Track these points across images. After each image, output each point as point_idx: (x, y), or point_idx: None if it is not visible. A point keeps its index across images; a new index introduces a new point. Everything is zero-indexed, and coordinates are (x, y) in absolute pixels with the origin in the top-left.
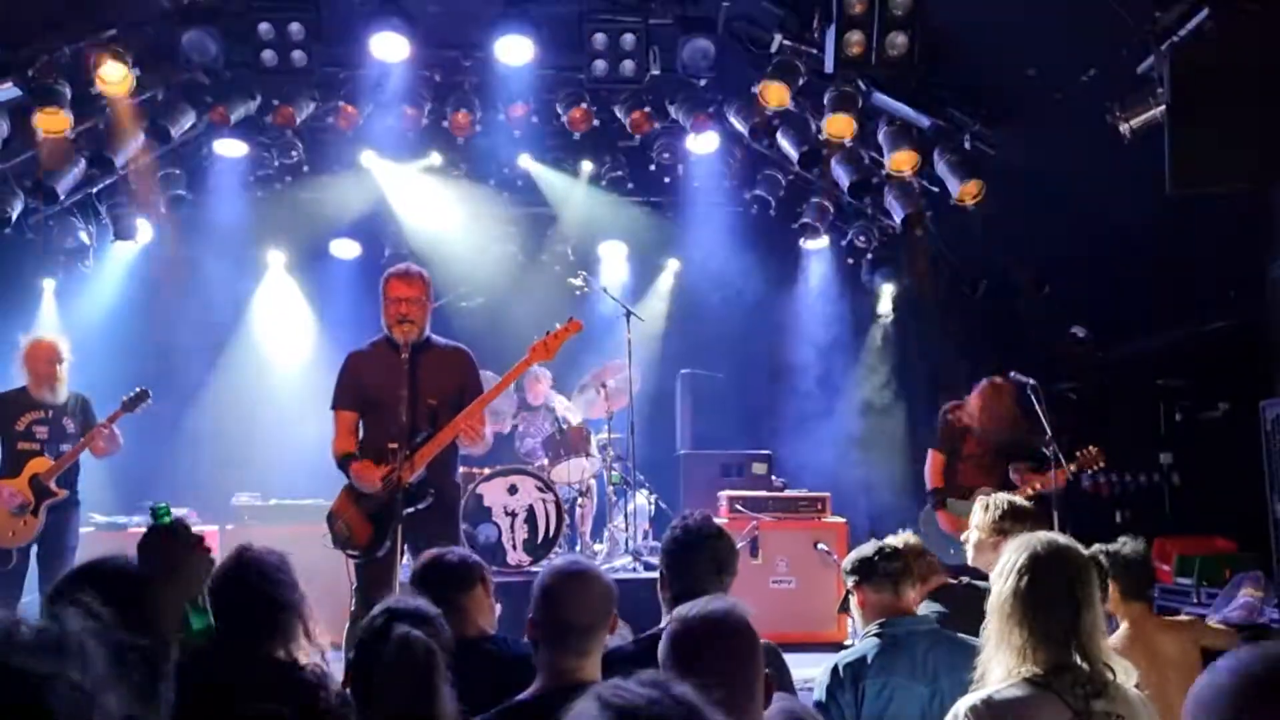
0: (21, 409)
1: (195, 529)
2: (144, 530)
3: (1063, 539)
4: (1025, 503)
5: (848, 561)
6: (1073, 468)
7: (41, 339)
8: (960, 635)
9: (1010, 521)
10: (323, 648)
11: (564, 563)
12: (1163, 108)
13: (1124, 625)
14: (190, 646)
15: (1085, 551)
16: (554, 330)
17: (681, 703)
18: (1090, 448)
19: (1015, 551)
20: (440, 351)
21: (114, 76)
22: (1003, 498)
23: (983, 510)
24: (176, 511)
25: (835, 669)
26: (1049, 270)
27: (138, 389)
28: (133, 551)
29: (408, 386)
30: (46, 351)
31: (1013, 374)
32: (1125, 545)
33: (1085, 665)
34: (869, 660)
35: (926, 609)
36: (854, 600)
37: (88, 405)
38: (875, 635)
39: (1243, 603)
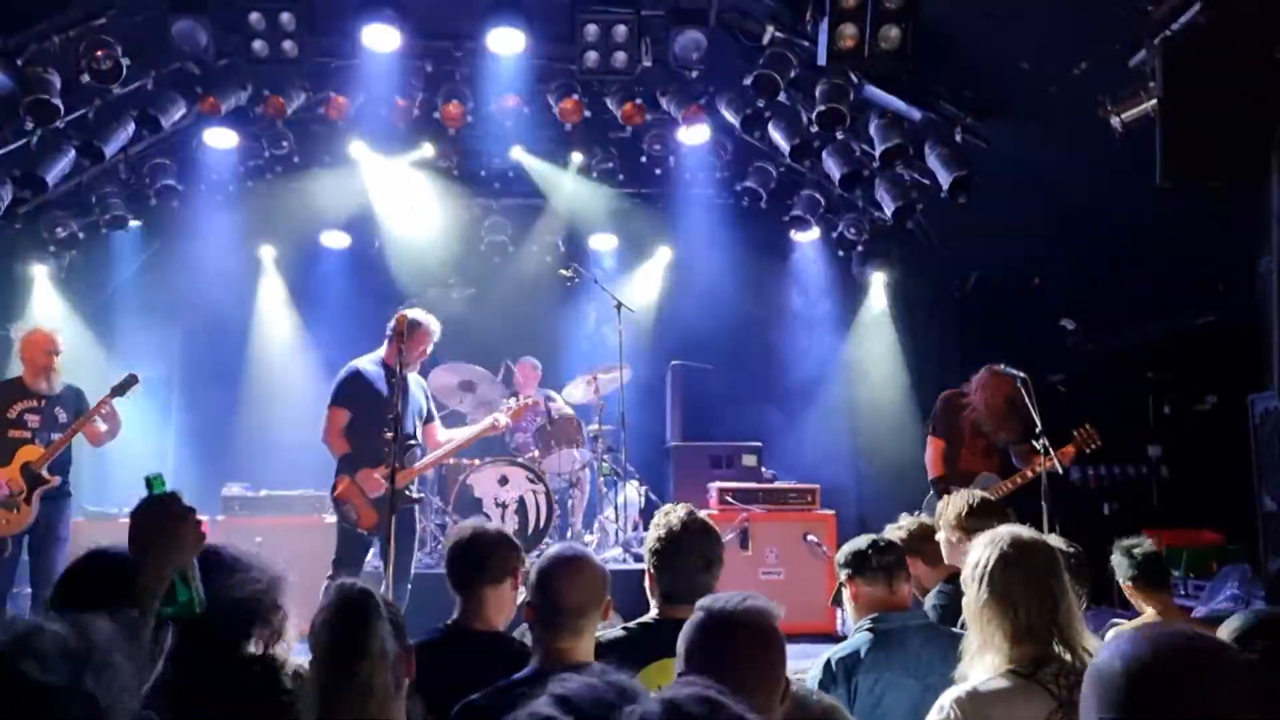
0: (13, 398)
1: None
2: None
3: (1026, 532)
4: (988, 497)
5: (841, 554)
6: (1070, 449)
7: (38, 329)
8: (953, 630)
9: (975, 519)
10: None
11: (560, 548)
12: (1154, 101)
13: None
14: (176, 618)
15: (1052, 541)
16: (522, 402)
17: (617, 688)
18: (1085, 426)
19: (983, 550)
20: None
21: (103, 66)
22: (962, 496)
23: (947, 509)
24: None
25: (828, 664)
26: (1039, 263)
27: (127, 374)
28: (123, 540)
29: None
30: (42, 342)
31: (1003, 366)
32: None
33: (1067, 655)
34: (862, 655)
35: (938, 595)
36: (846, 593)
37: (81, 395)
38: (868, 630)
39: (1230, 595)
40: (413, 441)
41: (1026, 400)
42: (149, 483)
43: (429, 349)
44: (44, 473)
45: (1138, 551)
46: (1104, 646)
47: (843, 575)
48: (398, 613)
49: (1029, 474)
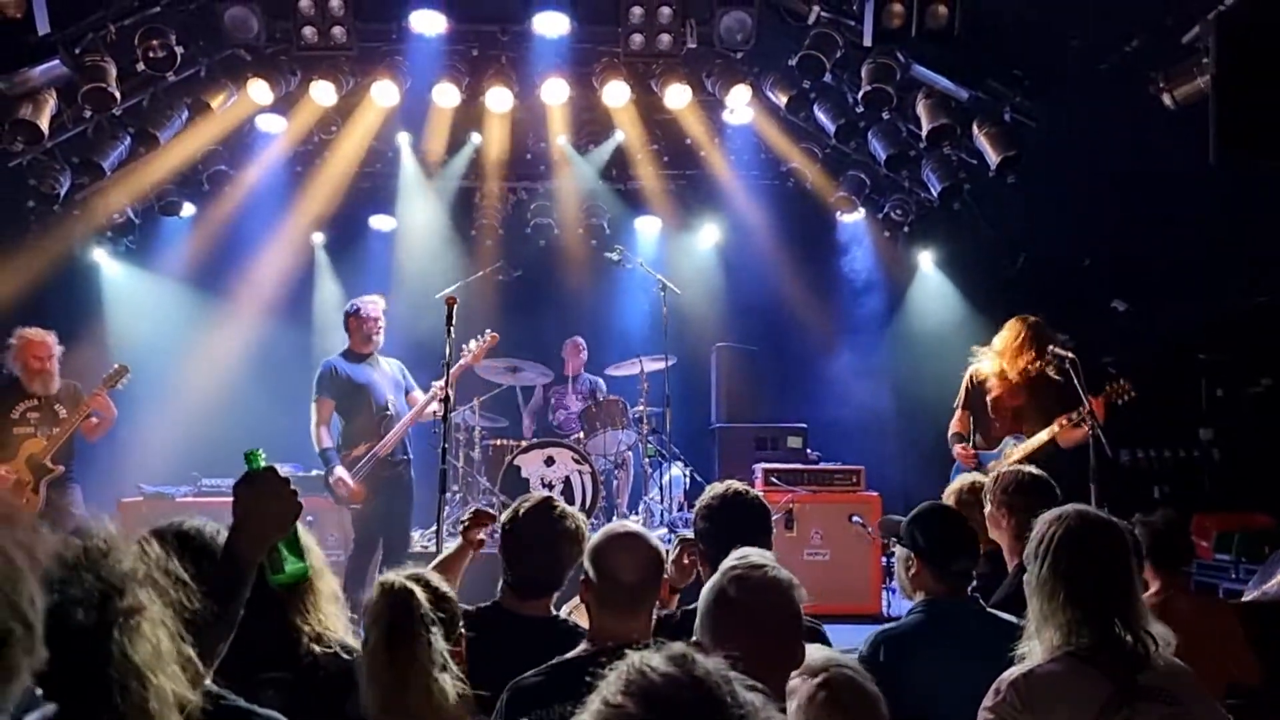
0: (16, 399)
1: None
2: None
3: (1093, 511)
4: (1036, 473)
5: (908, 531)
6: (1100, 400)
7: (32, 337)
8: (1004, 615)
9: (1020, 496)
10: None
11: (613, 526)
12: (1208, 77)
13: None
14: (286, 585)
15: (1119, 523)
16: (484, 342)
17: (702, 683)
18: (1119, 380)
19: (1050, 527)
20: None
21: (158, 54)
22: (1011, 469)
23: (991, 482)
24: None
25: (878, 643)
26: (1090, 243)
27: (116, 365)
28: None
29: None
30: (35, 349)
31: (1052, 347)
32: (1157, 515)
33: (1128, 637)
34: (913, 636)
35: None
36: (908, 567)
37: (78, 391)
38: (921, 612)
39: None
40: (389, 412)
41: (1074, 380)
42: (248, 458)
43: (376, 331)
44: (48, 462)
45: (1144, 531)
46: None
47: (908, 549)
48: (445, 603)
49: (1055, 429)
